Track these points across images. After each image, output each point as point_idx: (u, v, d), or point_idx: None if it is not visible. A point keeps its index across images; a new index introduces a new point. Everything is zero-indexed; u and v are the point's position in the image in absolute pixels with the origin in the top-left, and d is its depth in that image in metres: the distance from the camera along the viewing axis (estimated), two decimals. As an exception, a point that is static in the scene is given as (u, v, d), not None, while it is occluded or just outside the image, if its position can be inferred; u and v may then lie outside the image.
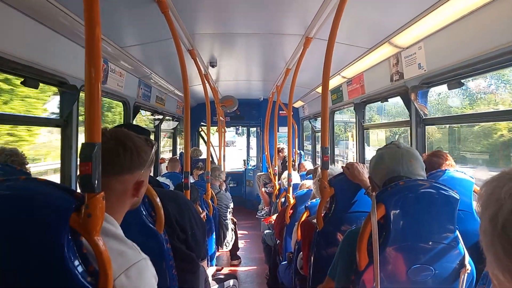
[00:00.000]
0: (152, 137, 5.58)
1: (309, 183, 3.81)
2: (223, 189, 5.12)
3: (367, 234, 1.40)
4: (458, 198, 1.42)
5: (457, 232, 1.44)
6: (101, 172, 0.96)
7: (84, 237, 0.91)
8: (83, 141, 0.95)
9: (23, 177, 0.95)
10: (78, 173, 0.96)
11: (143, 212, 1.57)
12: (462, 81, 2.35)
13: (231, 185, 8.63)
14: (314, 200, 2.73)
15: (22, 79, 2.23)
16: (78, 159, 0.95)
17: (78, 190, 0.97)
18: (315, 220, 2.19)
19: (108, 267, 0.91)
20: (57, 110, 2.82)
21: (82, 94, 2.66)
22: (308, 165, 5.88)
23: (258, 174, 7.68)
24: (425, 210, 1.42)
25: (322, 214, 2.14)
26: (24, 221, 0.88)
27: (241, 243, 6.08)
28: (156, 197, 1.59)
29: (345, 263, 1.51)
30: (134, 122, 4.43)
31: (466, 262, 1.43)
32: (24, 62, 2.12)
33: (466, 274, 1.43)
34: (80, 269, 0.90)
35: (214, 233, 4.06)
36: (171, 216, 1.68)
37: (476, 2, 1.89)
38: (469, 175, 2.13)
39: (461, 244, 1.45)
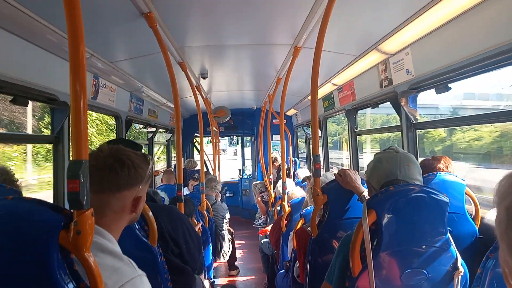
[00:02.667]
0: (146, 150, 5.60)
1: (297, 192, 3.81)
2: (219, 200, 5.10)
3: (359, 240, 1.41)
4: (448, 201, 1.44)
5: (449, 234, 1.45)
6: (99, 189, 0.96)
7: (74, 254, 0.91)
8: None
9: (10, 196, 0.95)
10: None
11: (136, 226, 1.57)
12: (449, 85, 2.38)
13: (227, 195, 8.61)
14: (308, 207, 2.73)
15: (12, 97, 2.23)
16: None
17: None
18: (310, 228, 2.19)
19: (99, 283, 0.91)
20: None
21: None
22: (302, 173, 5.88)
23: (254, 183, 7.66)
24: (416, 214, 1.43)
25: (317, 222, 2.15)
26: (13, 240, 0.88)
27: (238, 253, 6.05)
28: (148, 211, 1.59)
29: (341, 268, 1.52)
30: (127, 136, 4.42)
31: (459, 264, 1.44)
32: (13, 80, 2.12)
33: (460, 277, 1.44)
34: (71, 286, 0.90)
35: (210, 245, 4.04)
36: (164, 231, 1.68)
37: (460, 7, 1.92)
38: (461, 178, 2.15)
39: (453, 247, 1.45)
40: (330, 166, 5.92)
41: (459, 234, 1.91)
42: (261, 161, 6.77)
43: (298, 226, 2.59)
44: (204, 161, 4.90)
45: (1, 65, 2.02)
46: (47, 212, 0.91)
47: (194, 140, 9.08)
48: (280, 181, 4.06)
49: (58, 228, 0.89)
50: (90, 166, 0.96)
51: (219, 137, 8.11)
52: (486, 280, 1.34)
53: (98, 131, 11.82)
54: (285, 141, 4.05)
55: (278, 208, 4.25)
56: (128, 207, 1.16)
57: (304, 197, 3.27)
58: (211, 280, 3.71)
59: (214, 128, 6.96)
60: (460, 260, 1.45)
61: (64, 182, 2.68)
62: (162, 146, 7.85)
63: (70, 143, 2.69)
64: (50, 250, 0.88)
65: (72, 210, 0.92)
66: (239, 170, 9.89)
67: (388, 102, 3.18)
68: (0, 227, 0.89)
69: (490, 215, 2.20)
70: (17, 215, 0.91)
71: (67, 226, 0.90)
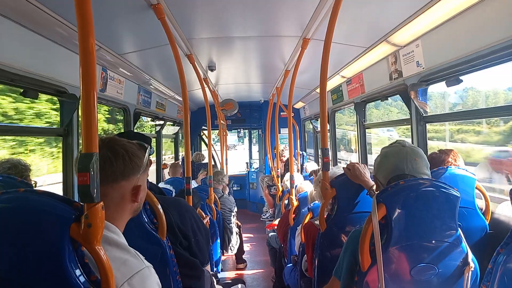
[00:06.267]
0: (153, 142, 5.61)
1: (306, 186, 3.80)
2: (226, 193, 5.12)
3: (369, 235, 1.40)
4: (459, 195, 1.42)
5: (459, 230, 1.44)
6: None
7: (84, 247, 0.92)
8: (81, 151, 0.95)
9: (21, 189, 0.95)
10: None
11: (145, 219, 1.58)
12: (461, 77, 2.34)
13: (234, 188, 8.63)
14: (316, 201, 2.72)
15: (22, 90, 2.24)
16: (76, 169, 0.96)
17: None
18: (318, 222, 2.18)
19: (110, 276, 0.91)
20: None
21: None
22: (310, 166, 5.87)
23: (261, 176, 7.67)
24: (427, 208, 1.42)
25: (325, 216, 2.14)
26: (24, 233, 0.89)
27: (246, 246, 6.08)
28: (157, 204, 1.59)
29: (350, 263, 1.51)
30: (135, 129, 4.44)
31: (470, 260, 1.42)
32: (23, 73, 2.13)
33: (470, 272, 1.42)
34: (82, 279, 0.90)
35: (218, 238, 4.06)
36: (173, 224, 1.68)
37: (472, -2, 1.88)
38: (471, 172, 2.12)
39: (464, 242, 1.44)
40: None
41: (470, 229, 1.89)
42: (269, 155, 6.76)
43: (306, 220, 2.59)
44: (212, 154, 4.91)
45: (11, 58, 2.03)
46: (58, 205, 0.92)
47: (202, 133, 9.09)
48: (287, 175, 4.06)
49: (69, 221, 0.90)
50: None
51: (227, 130, 8.10)
52: (496, 275, 1.32)
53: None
54: (292, 134, 4.02)
55: (286, 201, 4.25)
56: (128, 197, 1.15)
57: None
58: (217, 273, 3.72)
59: (221, 121, 6.96)
60: (470, 256, 1.44)
61: (73, 174, 2.70)
62: (170, 139, 7.85)
63: (80, 136, 2.72)
64: (62, 243, 0.88)
65: (82, 203, 0.92)
66: (247, 163, 9.91)
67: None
68: (12, 220, 0.90)
69: (501, 210, 2.17)
70: (29, 208, 0.91)
71: (78, 219, 0.91)
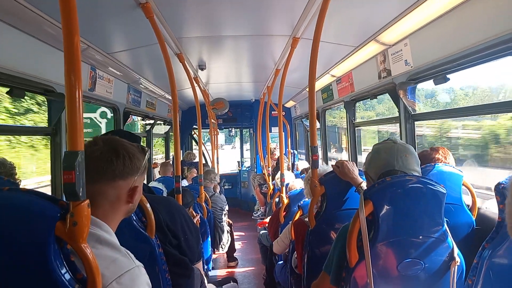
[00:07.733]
0: (144, 141, 5.59)
1: (297, 184, 3.82)
2: (218, 192, 5.11)
3: (356, 231, 1.41)
4: (445, 192, 1.44)
5: (446, 225, 1.46)
6: (94, 179, 0.96)
7: (70, 245, 0.91)
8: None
9: (6, 187, 0.94)
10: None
11: (134, 217, 1.57)
12: (448, 76, 2.37)
13: (226, 187, 8.63)
14: (307, 199, 2.74)
15: (8, 89, 2.22)
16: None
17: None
18: (307, 219, 2.20)
19: (96, 274, 0.91)
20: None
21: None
22: (302, 164, 5.89)
23: (253, 174, 7.68)
24: (414, 205, 1.44)
25: (314, 213, 2.16)
26: (9, 231, 0.88)
27: (237, 244, 6.10)
28: (146, 202, 1.58)
29: (339, 259, 1.53)
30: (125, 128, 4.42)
31: (455, 255, 1.45)
32: (9, 72, 2.11)
33: (456, 267, 1.44)
34: (67, 276, 0.90)
35: (209, 236, 4.05)
36: (162, 222, 1.67)
37: (459, -3, 1.90)
38: (458, 169, 2.15)
39: (450, 238, 1.46)
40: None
41: (456, 224, 1.92)
42: (260, 153, 6.76)
43: (296, 217, 2.60)
44: (203, 153, 4.91)
45: (-2, 56, 2.01)
46: (44, 203, 0.91)
47: (193, 132, 9.07)
48: (279, 173, 4.07)
49: (55, 219, 0.89)
50: (85, 156, 0.96)
51: (218, 129, 8.09)
52: (482, 270, 1.34)
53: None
54: (283, 133, 4.04)
55: (277, 199, 4.26)
56: (123, 197, 1.15)
57: (303, 188, 3.27)
58: (208, 271, 3.72)
59: (212, 120, 6.94)
60: (456, 250, 1.46)
61: (61, 174, 2.68)
62: (160, 138, 7.83)
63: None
64: (47, 241, 0.88)
65: (68, 202, 0.92)
66: (238, 162, 9.92)
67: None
68: None
69: (487, 206, 2.21)
70: (14, 206, 0.91)
71: (63, 217, 0.90)
